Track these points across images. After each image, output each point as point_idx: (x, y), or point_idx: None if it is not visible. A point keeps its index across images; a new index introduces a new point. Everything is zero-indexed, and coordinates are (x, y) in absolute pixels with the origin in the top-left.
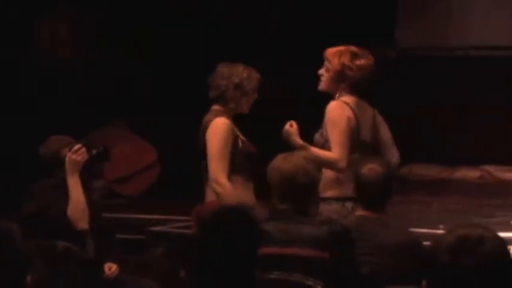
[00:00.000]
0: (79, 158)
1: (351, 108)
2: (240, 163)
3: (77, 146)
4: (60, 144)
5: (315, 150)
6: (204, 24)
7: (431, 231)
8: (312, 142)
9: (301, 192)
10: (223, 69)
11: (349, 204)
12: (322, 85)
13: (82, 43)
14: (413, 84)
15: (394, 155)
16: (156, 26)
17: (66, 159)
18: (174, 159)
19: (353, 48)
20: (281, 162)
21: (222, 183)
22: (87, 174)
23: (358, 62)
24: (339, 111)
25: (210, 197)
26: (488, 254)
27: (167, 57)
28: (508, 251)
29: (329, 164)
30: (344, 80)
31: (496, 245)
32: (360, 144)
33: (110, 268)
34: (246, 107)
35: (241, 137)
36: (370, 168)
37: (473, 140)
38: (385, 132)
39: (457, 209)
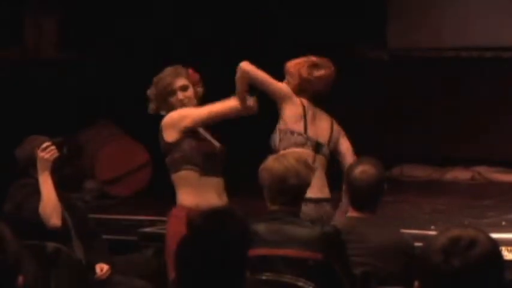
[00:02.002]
0: (47, 155)
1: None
2: (193, 157)
3: (45, 144)
4: (34, 145)
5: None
6: (195, 23)
7: (422, 232)
8: None
9: (292, 193)
10: None
11: (327, 205)
12: None
13: (69, 43)
14: (405, 85)
15: None
16: (145, 26)
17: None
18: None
19: (313, 58)
20: (272, 163)
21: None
22: (78, 175)
23: (317, 73)
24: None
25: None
26: (480, 255)
27: (158, 56)
28: (499, 252)
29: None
30: (305, 91)
31: (488, 246)
32: (309, 140)
33: (102, 269)
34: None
35: (203, 134)
36: (363, 170)
37: (464, 141)
38: (345, 143)
39: (449, 210)
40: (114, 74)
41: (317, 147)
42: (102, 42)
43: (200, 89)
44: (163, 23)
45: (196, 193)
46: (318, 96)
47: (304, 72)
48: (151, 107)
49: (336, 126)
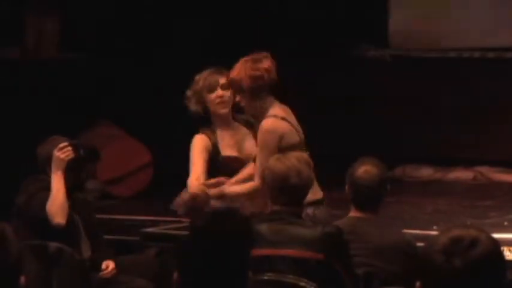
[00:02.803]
0: (63, 155)
1: (284, 119)
2: (220, 170)
3: (62, 144)
4: (53, 144)
5: (231, 190)
6: (199, 23)
7: (424, 232)
8: None
9: (293, 193)
10: None
11: (310, 210)
12: (247, 111)
13: (70, 43)
14: (406, 86)
15: None
16: (149, 26)
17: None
18: (168, 161)
19: (248, 57)
20: (274, 163)
21: (190, 181)
22: (81, 175)
23: (263, 66)
24: (270, 135)
25: None
26: (482, 255)
27: (162, 57)
28: (501, 252)
29: (254, 193)
30: (262, 91)
31: (489, 246)
32: (302, 144)
33: (108, 266)
34: (213, 110)
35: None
36: (366, 170)
37: (466, 141)
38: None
39: (451, 210)
40: (115, 74)
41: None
42: (103, 42)
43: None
44: (164, 22)
45: None
46: (276, 90)
47: (250, 71)
48: (190, 107)
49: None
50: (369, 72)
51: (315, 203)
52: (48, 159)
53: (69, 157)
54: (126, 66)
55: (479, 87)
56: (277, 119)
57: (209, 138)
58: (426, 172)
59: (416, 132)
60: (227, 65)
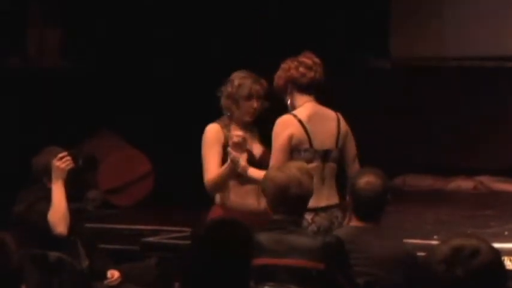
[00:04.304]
0: (63, 165)
1: (300, 121)
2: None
3: (62, 154)
4: (50, 155)
5: (251, 171)
6: (204, 32)
7: (425, 242)
8: None
9: (294, 202)
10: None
11: (309, 216)
12: (290, 108)
13: (72, 52)
14: (407, 95)
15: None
16: (149, 36)
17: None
18: (168, 170)
19: (293, 61)
20: (275, 173)
21: (206, 182)
22: (82, 184)
23: (294, 64)
24: (278, 127)
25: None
26: (483, 265)
27: (163, 67)
28: (502, 262)
29: None
30: (293, 89)
31: (491, 256)
32: (317, 153)
33: (113, 275)
34: (241, 114)
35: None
36: (367, 181)
37: (467, 150)
38: (351, 150)
39: (451, 219)
40: (116, 83)
41: (325, 156)
42: (104, 51)
43: (266, 103)
44: (164, 33)
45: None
46: (321, 90)
47: (281, 70)
48: (221, 101)
49: (342, 124)
50: (368, 81)
51: (335, 207)
52: (46, 169)
53: (69, 166)
54: (127, 76)
55: (479, 96)
56: (292, 116)
57: (222, 129)
58: (427, 182)
59: (416, 142)
60: (227, 65)
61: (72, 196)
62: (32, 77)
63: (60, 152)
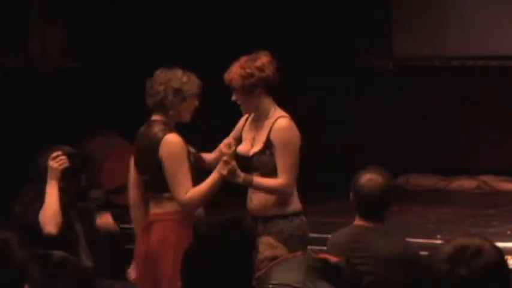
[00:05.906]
0: (56, 164)
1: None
2: (194, 178)
3: (55, 153)
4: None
5: (258, 180)
6: (200, 31)
7: (428, 242)
8: None
9: None
10: (161, 74)
11: (304, 217)
12: (244, 110)
13: (75, 52)
14: (409, 95)
15: None
16: (152, 36)
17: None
18: None
19: (246, 56)
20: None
21: (187, 199)
22: (80, 184)
23: (255, 64)
24: (291, 131)
25: (152, 210)
26: (486, 264)
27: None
28: (505, 261)
29: (276, 192)
30: (254, 89)
31: (494, 255)
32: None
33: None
34: (186, 114)
35: (191, 149)
36: (370, 179)
37: (470, 149)
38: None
39: (454, 219)
40: (118, 83)
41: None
42: (107, 52)
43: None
44: (166, 34)
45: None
46: (276, 90)
47: (240, 69)
48: (168, 100)
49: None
50: (372, 80)
51: (293, 215)
52: (46, 168)
53: (63, 166)
54: (129, 76)
55: (482, 96)
56: (290, 119)
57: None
58: (430, 181)
59: (419, 141)
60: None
61: (77, 195)
62: (34, 77)
63: (66, 151)
